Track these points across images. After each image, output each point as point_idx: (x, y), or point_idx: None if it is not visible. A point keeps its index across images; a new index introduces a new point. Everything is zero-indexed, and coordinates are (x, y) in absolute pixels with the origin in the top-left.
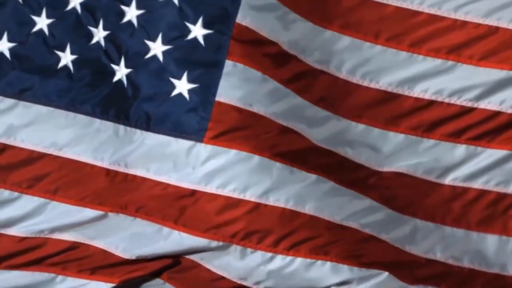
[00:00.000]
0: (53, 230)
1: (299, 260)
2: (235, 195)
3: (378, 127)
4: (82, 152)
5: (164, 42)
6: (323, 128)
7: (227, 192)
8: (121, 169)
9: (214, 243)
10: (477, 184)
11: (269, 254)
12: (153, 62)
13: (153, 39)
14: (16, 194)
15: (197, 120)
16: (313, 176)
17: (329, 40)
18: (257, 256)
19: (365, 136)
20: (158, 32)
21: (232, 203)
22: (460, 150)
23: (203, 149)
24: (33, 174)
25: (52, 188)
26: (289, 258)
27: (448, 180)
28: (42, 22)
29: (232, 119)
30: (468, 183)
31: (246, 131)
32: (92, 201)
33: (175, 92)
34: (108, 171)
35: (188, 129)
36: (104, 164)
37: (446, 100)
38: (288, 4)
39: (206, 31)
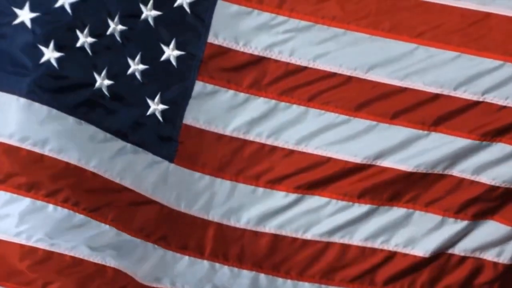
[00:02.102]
0: None
1: None
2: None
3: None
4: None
5: (143, 61)
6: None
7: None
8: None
9: None
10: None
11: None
12: (132, 80)
13: (133, 57)
14: None
15: (168, 141)
16: (281, 193)
17: (326, 36)
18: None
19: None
20: (138, 51)
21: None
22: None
23: (171, 168)
24: None
25: None
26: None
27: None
28: (24, 15)
29: (197, 142)
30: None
31: (210, 153)
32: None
33: (149, 112)
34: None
35: (160, 149)
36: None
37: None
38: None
39: (178, 53)
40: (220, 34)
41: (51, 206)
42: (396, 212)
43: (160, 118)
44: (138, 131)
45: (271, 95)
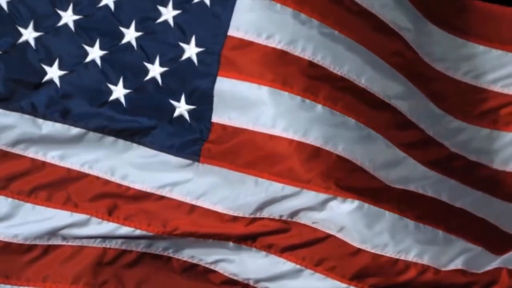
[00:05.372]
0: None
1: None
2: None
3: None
4: (73, 160)
5: (162, 64)
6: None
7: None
8: (116, 180)
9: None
10: None
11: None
12: (152, 84)
13: (152, 62)
14: None
15: (196, 141)
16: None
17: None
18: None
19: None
20: (156, 54)
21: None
22: None
23: (199, 168)
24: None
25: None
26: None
27: None
28: (28, 34)
29: (227, 140)
30: None
31: (242, 150)
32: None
33: (176, 114)
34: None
35: (187, 149)
36: (94, 172)
37: None
38: (299, 8)
39: (198, 49)
40: (241, 27)
41: None
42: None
43: (188, 119)
44: (163, 136)
45: (296, 91)
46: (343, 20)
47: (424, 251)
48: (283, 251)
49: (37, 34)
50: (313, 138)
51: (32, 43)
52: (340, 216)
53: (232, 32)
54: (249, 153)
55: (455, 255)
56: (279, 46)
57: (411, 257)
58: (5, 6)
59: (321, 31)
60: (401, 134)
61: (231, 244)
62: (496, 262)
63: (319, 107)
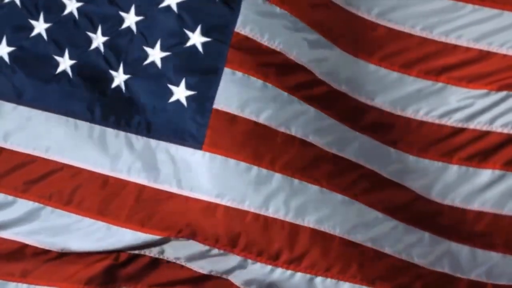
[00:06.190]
0: None
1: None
2: (234, 205)
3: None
4: (81, 158)
5: (163, 49)
6: (330, 135)
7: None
8: (123, 176)
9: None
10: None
11: (269, 267)
12: (151, 69)
13: (152, 46)
14: (10, 198)
15: (196, 127)
16: (315, 187)
17: (335, 57)
18: (256, 268)
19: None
20: (157, 38)
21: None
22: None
23: (201, 156)
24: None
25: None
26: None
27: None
28: (40, 27)
29: (229, 127)
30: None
31: (244, 139)
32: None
33: (172, 99)
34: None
35: (187, 136)
36: (105, 171)
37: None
38: (296, 14)
39: (204, 39)
40: (247, 25)
41: None
42: None
43: (185, 104)
44: (160, 120)
45: (293, 94)
46: (330, 26)
47: (413, 251)
48: (290, 262)
49: (47, 25)
50: (312, 138)
51: (44, 35)
52: (344, 217)
53: (238, 28)
54: (252, 144)
55: (441, 256)
56: (278, 48)
57: (404, 255)
58: (17, 1)
59: (313, 37)
60: (387, 133)
61: (237, 257)
62: (482, 269)
63: (312, 109)
